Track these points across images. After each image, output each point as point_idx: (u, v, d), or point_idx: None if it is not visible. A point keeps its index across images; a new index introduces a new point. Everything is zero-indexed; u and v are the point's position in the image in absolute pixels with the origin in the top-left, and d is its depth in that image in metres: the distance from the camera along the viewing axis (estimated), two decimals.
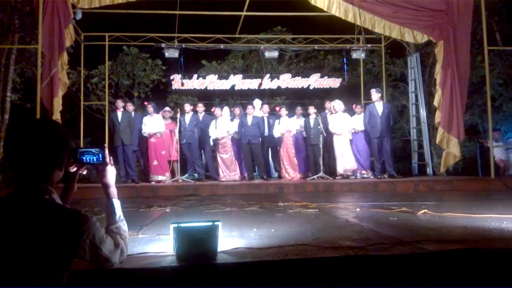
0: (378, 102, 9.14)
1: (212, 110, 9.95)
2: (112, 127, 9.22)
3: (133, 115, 9.30)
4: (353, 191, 7.66)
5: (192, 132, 9.25)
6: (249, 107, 9.53)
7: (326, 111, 9.77)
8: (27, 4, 8.85)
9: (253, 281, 2.06)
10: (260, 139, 9.30)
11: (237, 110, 9.83)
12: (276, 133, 9.35)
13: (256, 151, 9.24)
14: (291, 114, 9.64)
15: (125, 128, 9.00)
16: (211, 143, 9.77)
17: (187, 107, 9.53)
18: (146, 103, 9.69)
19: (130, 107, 9.40)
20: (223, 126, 9.37)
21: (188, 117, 9.39)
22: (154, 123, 9.15)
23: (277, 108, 9.81)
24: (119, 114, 9.16)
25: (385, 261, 2.17)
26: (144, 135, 9.15)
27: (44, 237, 1.29)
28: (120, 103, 9.34)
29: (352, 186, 7.90)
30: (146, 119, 9.24)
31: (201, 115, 9.64)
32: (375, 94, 9.21)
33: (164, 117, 9.48)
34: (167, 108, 9.78)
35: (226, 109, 10.26)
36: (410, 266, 2.18)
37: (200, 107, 9.74)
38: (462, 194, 6.95)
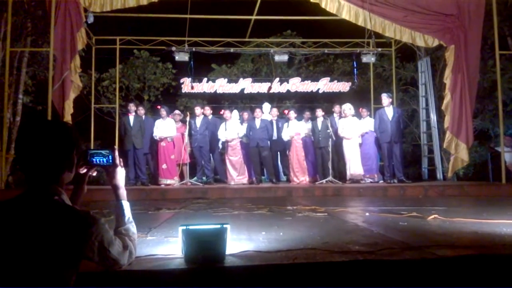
0: (388, 107, 9.08)
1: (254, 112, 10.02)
2: (123, 131, 9.18)
3: (143, 119, 9.31)
4: (362, 195, 7.61)
5: (204, 136, 9.25)
6: (257, 110, 9.50)
7: (335, 114, 9.74)
8: (40, 8, 8.95)
9: (261, 284, 2.05)
10: (269, 142, 9.26)
11: (245, 114, 9.86)
12: (286, 136, 9.34)
13: (265, 154, 9.22)
14: (299, 117, 9.61)
15: (137, 132, 9.00)
16: (220, 146, 9.78)
17: (198, 110, 9.51)
18: (159, 106, 9.69)
19: (142, 111, 9.37)
20: (233, 128, 9.37)
21: (198, 120, 9.38)
22: (166, 127, 9.17)
23: (286, 111, 9.79)
24: (131, 118, 9.14)
25: (394, 266, 2.16)
26: (155, 138, 9.17)
27: (53, 238, 1.29)
28: (132, 107, 9.30)
29: (361, 191, 7.84)
30: (158, 123, 9.26)
31: (209, 118, 9.66)
32: (385, 99, 9.14)
33: (174, 121, 9.47)
34: (177, 111, 9.76)
35: (235, 112, 10.28)
36: (420, 271, 2.16)
37: (208, 110, 9.75)
38: (473, 199, 6.87)
